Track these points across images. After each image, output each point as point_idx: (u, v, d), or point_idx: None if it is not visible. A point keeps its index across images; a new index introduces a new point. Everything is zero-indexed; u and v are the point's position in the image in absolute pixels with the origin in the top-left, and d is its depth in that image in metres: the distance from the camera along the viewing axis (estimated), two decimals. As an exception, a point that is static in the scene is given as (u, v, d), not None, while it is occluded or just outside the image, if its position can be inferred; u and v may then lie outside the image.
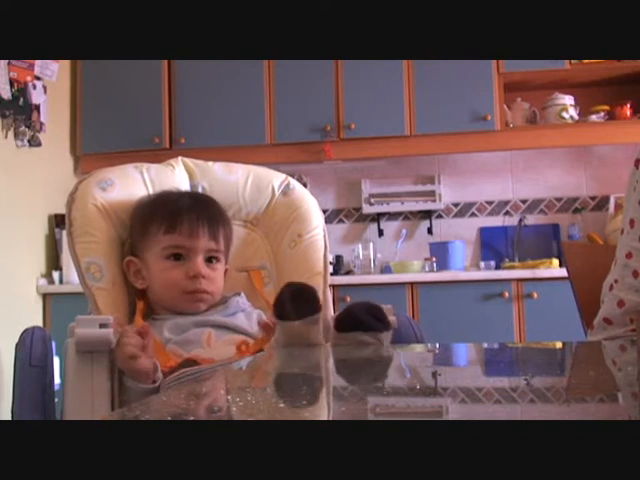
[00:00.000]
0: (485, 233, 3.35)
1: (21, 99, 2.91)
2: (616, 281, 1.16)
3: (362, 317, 1.01)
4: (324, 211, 3.05)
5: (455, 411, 0.56)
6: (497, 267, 3.13)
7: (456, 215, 3.38)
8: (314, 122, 3.12)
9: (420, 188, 3.35)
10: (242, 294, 1.29)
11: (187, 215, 1.24)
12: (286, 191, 1.40)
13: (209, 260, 1.24)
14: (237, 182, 1.39)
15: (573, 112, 3.11)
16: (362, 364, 0.91)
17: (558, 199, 3.32)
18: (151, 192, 1.32)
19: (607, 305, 1.17)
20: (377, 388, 0.70)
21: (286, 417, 0.50)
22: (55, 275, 3.01)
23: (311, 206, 1.40)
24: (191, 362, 1.08)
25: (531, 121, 3.19)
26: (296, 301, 1.01)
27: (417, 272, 3.00)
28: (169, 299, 1.22)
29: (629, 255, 1.15)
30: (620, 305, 1.14)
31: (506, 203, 3.35)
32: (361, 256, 3.29)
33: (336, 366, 0.96)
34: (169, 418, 0.51)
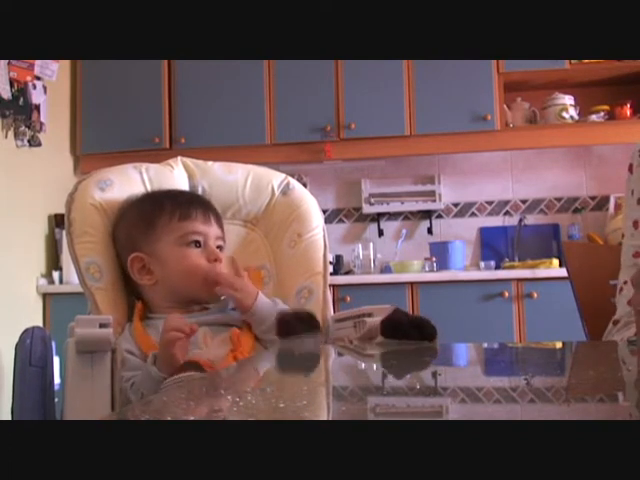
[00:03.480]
0: (485, 233, 3.35)
1: (21, 99, 2.91)
2: (625, 282, 1.16)
3: (408, 330, 1.02)
4: (324, 211, 3.06)
5: (455, 411, 0.56)
6: (497, 267, 3.13)
7: (456, 215, 3.38)
8: (314, 122, 3.12)
9: (420, 188, 3.35)
10: None
11: (198, 202, 1.26)
12: (286, 191, 1.40)
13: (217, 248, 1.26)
14: (237, 182, 1.39)
15: (573, 112, 3.12)
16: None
17: (558, 199, 3.32)
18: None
19: (619, 309, 1.17)
20: (377, 388, 0.70)
21: (286, 417, 0.50)
22: (55, 275, 3.01)
23: (311, 206, 1.40)
24: (193, 364, 1.08)
25: (531, 121, 3.19)
26: (298, 321, 1.12)
27: (417, 272, 3.00)
28: (188, 286, 1.22)
29: (637, 254, 1.16)
30: (630, 303, 1.14)
31: (506, 203, 3.35)
32: (361, 256, 3.29)
33: (337, 366, 0.96)
34: (169, 418, 0.51)
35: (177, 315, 1.12)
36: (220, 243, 1.27)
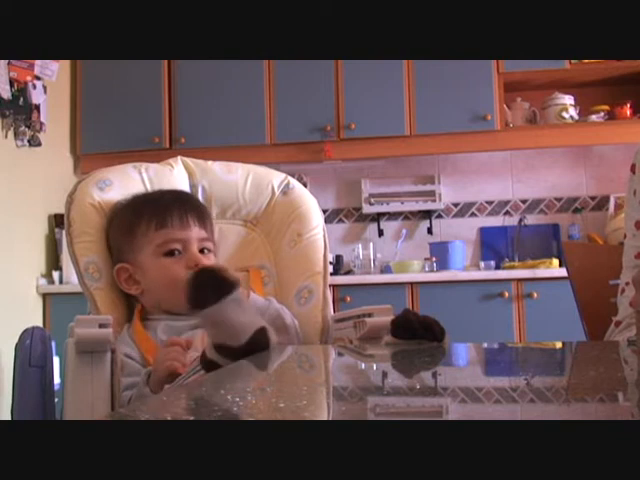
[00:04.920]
0: (485, 233, 3.35)
1: (21, 99, 2.91)
2: (627, 283, 1.16)
3: (418, 330, 1.01)
4: (324, 211, 3.06)
5: (455, 411, 0.56)
6: (497, 267, 3.13)
7: (456, 215, 3.38)
8: (314, 122, 3.12)
9: (420, 188, 3.35)
10: None
11: (175, 207, 1.23)
12: (286, 190, 1.40)
13: (201, 251, 1.23)
14: (237, 182, 1.39)
15: (573, 112, 3.12)
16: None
17: (558, 199, 3.32)
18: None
19: (621, 310, 1.17)
20: (377, 388, 0.70)
21: (286, 417, 0.50)
22: (55, 275, 3.01)
23: (311, 206, 1.40)
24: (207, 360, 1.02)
25: (531, 121, 3.19)
26: (209, 285, 0.89)
27: (417, 272, 3.00)
28: (171, 297, 1.20)
29: (639, 255, 1.16)
30: (632, 304, 1.14)
31: (506, 203, 3.35)
32: (361, 256, 3.29)
33: (337, 366, 0.96)
34: (169, 418, 0.51)
35: (175, 342, 1.07)
36: (205, 245, 1.24)
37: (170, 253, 1.20)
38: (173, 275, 1.19)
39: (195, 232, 1.23)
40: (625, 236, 1.21)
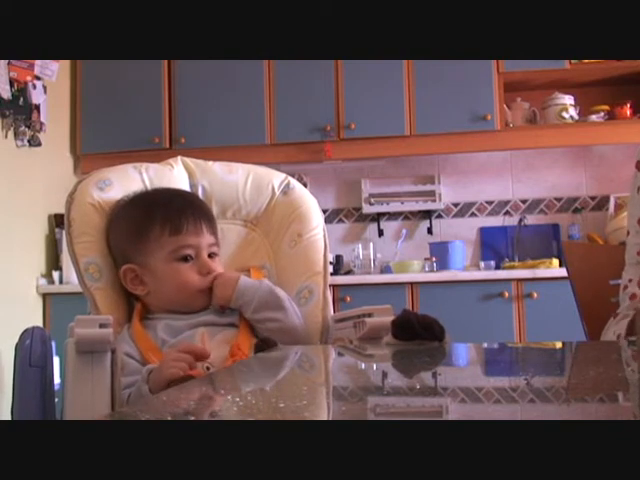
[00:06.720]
0: (485, 233, 3.35)
1: (21, 99, 2.91)
2: (630, 280, 1.16)
3: (419, 331, 1.01)
4: (324, 211, 3.06)
5: (455, 411, 0.56)
6: (497, 267, 3.13)
7: (456, 215, 3.38)
8: (314, 122, 3.12)
9: (420, 188, 3.35)
10: None
11: (189, 213, 1.23)
12: (286, 191, 1.40)
13: (209, 256, 1.24)
14: (237, 182, 1.39)
15: (573, 112, 3.12)
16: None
17: (558, 199, 3.32)
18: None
19: (622, 307, 1.17)
20: (377, 388, 0.70)
21: (286, 417, 0.50)
22: (55, 275, 3.01)
23: (311, 206, 1.40)
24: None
25: (531, 121, 3.19)
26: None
27: (417, 272, 3.00)
28: (181, 299, 1.21)
29: None
30: (632, 298, 1.14)
31: (506, 203, 3.35)
32: (361, 256, 3.29)
33: (337, 366, 0.96)
34: (169, 418, 0.51)
35: (190, 350, 1.05)
36: (213, 250, 1.25)
37: (183, 258, 1.21)
38: (185, 280, 1.20)
39: (206, 239, 1.24)
40: (628, 233, 1.21)
